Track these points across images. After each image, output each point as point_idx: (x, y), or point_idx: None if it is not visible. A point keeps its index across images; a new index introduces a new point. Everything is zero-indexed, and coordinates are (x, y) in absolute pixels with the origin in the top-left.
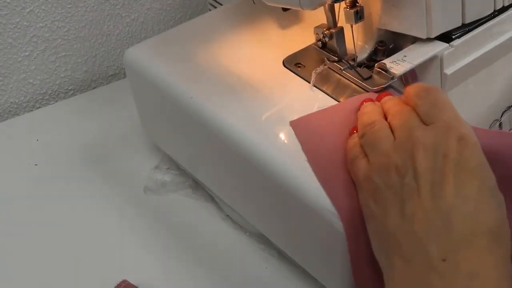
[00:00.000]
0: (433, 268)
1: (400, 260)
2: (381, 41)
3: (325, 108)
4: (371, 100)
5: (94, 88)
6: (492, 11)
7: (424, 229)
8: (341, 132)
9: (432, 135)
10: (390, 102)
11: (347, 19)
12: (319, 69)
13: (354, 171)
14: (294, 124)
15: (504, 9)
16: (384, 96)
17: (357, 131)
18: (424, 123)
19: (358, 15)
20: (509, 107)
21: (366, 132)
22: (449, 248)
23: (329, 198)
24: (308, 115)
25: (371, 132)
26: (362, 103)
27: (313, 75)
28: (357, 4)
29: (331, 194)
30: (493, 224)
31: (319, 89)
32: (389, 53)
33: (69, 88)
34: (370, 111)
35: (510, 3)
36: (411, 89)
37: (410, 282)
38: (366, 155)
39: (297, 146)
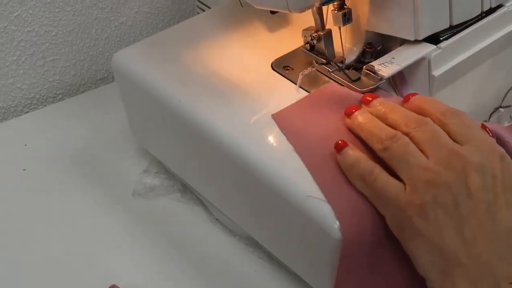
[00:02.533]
0: None
1: (466, 281)
2: (369, 43)
3: (303, 98)
4: (355, 106)
5: (82, 92)
6: (480, 12)
7: (488, 252)
8: (321, 120)
9: (478, 154)
10: (387, 106)
11: (335, 21)
12: (306, 71)
13: (377, 187)
14: (276, 117)
15: (491, 11)
16: (370, 98)
17: (343, 142)
18: (456, 142)
19: (346, 17)
20: (496, 108)
21: (388, 146)
22: None
23: (318, 185)
24: (289, 106)
25: (398, 145)
26: (351, 110)
27: (300, 77)
28: (345, 7)
29: (319, 179)
30: None
31: (307, 91)
32: (377, 55)
33: (58, 93)
34: (375, 123)
35: (497, 4)
36: (433, 109)
37: None
38: (385, 170)
39: (286, 148)
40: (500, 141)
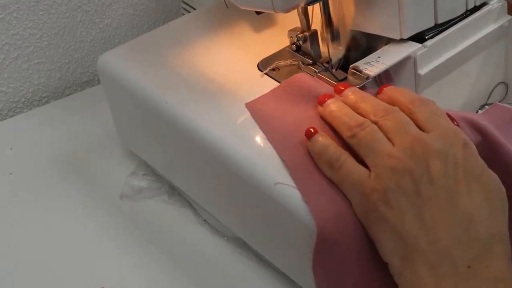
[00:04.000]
0: (459, 275)
1: (425, 266)
2: (355, 43)
3: (276, 88)
4: (329, 95)
5: (68, 95)
6: (464, 11)
7: (448, 237)
8: (293, 108)
9: (440, 141)
10: (358, 95)
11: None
12: (282, 62)
13: (343, 173)
14: (250, 106)
15: (476, 9)
16: (342, 87)
17: (314, 130)
18: (422, 129)
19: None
20: (483, 106)
21: (356, 133)
22: (472, 255)
23: (289, 172)
24: (262, 95)
25: (365, 133)
26: (324, 98)
27: (274, 65)
28: None
29: (291, 166)
30: (504, 228)
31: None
32: (363, 54)
33: (43, 96)
34: (345, 111)
35: (481, 2)
36: (402, 98)
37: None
38: (352, 157)
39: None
40: (477, 126)
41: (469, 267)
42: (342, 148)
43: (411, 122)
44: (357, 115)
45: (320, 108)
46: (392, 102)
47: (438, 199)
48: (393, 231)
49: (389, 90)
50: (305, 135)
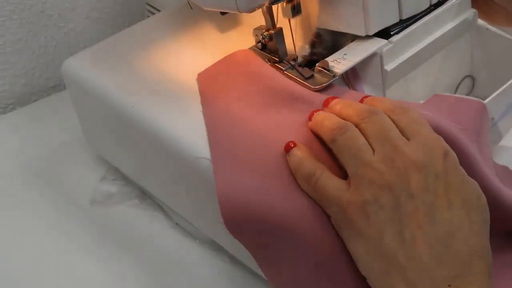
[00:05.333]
0: None
1: (404, 283)
2: (321, 41)
3: (226, 57)
4: (316, 110)
5: (34, 101)
6: (428, 6)
7: (427, 254)
8: (235, 86)
9: (420, 152)
10: (343, 103)
11: (285, 14)
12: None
13: (319, 188)
14: (200, 77)
15: (439, 4)
16: (330, 100)
17: (293, 143)
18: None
19: (295, 10)
20: None
21: (336, 138)
22: (453, 273)
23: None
24: (212, 65)
25: (345, 138)
26: (311, 114)
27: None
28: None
29: (213, 143)
30: (485, 242)
31: None
32: (330, 52)
33: (8, 103)
34: (328, 116)
35: None
36: (382, 106)
37: None
38: (328, 170)
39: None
40: (449, 137)
41: (449, 285)
42: (317, 162)
43: (394, 126)
44: (339, 119)
45: (310, 123)
46: None
47: (417, 215)
48: (371, 246)
49: (369, 100)
50: (284, 149)
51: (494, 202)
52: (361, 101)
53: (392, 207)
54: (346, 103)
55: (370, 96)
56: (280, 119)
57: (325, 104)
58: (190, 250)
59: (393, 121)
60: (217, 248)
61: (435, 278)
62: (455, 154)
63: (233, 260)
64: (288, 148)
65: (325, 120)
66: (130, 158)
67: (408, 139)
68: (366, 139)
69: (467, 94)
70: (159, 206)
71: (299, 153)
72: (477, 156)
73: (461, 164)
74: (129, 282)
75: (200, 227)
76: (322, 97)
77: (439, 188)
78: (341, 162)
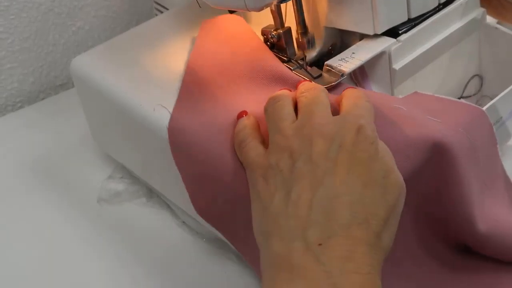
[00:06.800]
0: (309, 252)
1: (279, 242)
2: (329, 40)
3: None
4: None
5: (42, 99)
6: (437, 4)
7: (305, 214)
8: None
9: (332, 123)
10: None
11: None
12: None
13: (244, 153)
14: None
15: (448, 2)
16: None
17: (244, 113)
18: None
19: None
20: (458, 99)
21: (268, 107)
22: (326, 234)
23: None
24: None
25: (273, 107)
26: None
27: None
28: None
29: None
30: (373, 217)
31: None
32: (338, 51)
33: (17, 101)
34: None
35: None
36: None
37: (287, 264)
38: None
39: None
40: (438, 145)
41: (320, 244)
42: (256, 132)
43: (325, 103)
44: (284, 92)
45: None
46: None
47: (308, 177)
48: (262, 208)
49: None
50: (237, 116)
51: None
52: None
53: (288, 170)
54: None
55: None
56: (250, 89)
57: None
58: (196, 248)
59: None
60: (223, 246)
61: (306, 238)
62: (372, 131)
63: (240, 258)
64: (239, 117)
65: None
66: (137, 156)
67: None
68: (298, 110)
69: (475, 94)
70: (166, 204)
71: (244, 122)
72: (466, 161)
73: (440, 169)
74: (135, 279)
75: (206, 226)
76: (295, 76)
77: (340, 158)
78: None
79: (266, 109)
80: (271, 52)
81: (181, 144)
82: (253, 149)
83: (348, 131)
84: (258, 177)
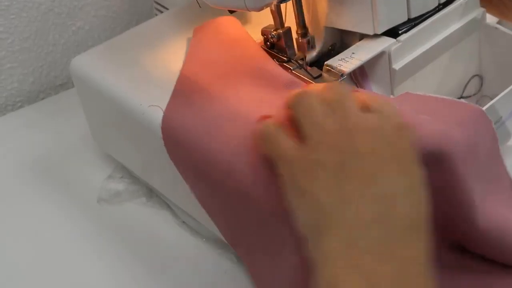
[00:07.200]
0: (372, 252)
1: (339, 242)
2: (329, 40)
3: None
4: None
5: (42, 99)
6: (437, 4)
7: (367, 215)
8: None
9: (375, 119)
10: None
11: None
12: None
13: (275, 142)
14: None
15: (448, 2)
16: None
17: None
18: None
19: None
20: (458, 99)
21: (296, 103)
22: (388, 235)
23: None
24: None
25: (303, 103)
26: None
27: None
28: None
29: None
30: (422, 218)
31: None
32: (338, 51)
33: (17, 100)
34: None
35: None
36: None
37: (349, 263)
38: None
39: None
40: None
41: (383, 245)
42: (280, 124)
43: (353, 98)
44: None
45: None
46: None
47: (361, 174)
48: (310, 204)
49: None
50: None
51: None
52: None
53: (336, 167)
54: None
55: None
56: (244, 85)
57: None
58: (196, 248)
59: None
60: (223, 246)
61: (371, 238)
62: (411, 133)
63: (239, 258)
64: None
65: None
66: (137, 156)
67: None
68: (327, 106)
69: (475, 94)
70: (166, 204)
71: (269, 120)
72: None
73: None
74: (135, 279)
75: (206, 225)
76: (287, 75)
77: (386, 154)
78: (298, 125)
79: (293, 105)
80: (263, 50)
81: (175, 140)
82: (285, 142)
83: (391, 127)
84: (299, 172)
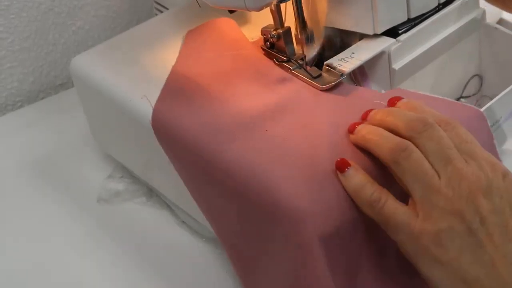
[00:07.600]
0: None
1: None
2: (329, 39)
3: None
4: (357, 122)
5: (42, 98)
6: (437, 4)
7: (509, 272)
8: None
9: (483, 176)
10: (385, 111)
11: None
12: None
13: (386, 214)
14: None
15: (448, 2)
16: (396, 100)
17: (344, 162)
18: None
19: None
20: (458, 99)
21: (400, 161)
22: None
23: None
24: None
25: (411, 162)
26: (353, 126)
27: None
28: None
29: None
30: None
31: None
32: (338, 50)
33: (17, 100)
34: (379, 132)
35: None
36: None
37: None
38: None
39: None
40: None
41: None
42: (376, 184)
43: (451, 145)
44: (394, 136)
45: (352, 136)
46: None
47: (492, 236)
48: (450, 272)
49: (403, 104)
50: (336, 167)
51: None
52: (392, 103)
53: (466, 233)
54: (386, 112)
55: (402, 98)
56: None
57: (363, 117)
58: (196, 248)
59: None
60: (223, 246)
61: None
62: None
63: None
64: (341, 168)
65: (380, 138)
66: (137, 156)
67: (464, 159)
68: (425, 157)
69: (475, 94)
70: (165, 204)
71: (356, 175)
72: None
73: None
74: (134, 279)
75: (206, 225)
76: (279, 71)
77: (505, 208)
78: (405, 184)
79: (397, 163)
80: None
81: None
82: (398, 210)
83: (497, 180)
84: (429, 243)
